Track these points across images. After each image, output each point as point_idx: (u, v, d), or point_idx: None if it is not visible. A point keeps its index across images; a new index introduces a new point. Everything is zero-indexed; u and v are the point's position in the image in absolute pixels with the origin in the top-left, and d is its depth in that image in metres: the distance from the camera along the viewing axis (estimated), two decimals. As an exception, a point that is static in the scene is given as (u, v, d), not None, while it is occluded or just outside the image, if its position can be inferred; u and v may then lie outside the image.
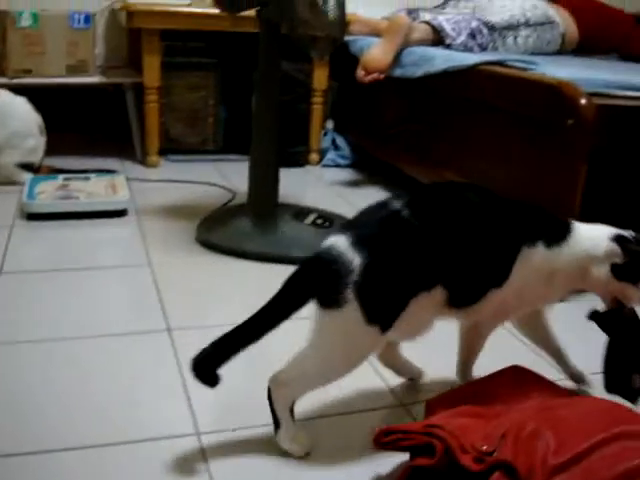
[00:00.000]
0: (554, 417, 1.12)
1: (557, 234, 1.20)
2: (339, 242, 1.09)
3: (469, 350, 1.32)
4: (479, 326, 1.28)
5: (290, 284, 1.13)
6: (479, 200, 1.18)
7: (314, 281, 1.12)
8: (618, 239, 1.18)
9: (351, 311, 1.08)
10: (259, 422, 1.24)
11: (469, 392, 1.20)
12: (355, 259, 1.07)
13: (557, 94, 1.80)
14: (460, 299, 1.17)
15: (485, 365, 1.31)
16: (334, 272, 1.08)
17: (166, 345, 1.49)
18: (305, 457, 1.16)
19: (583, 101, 1.74)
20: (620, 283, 1.18)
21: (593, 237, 1.20)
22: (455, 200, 1.17)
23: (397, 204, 1.12)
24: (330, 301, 1.09)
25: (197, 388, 1.18)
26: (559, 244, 1.19)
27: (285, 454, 1.17)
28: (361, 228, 1.12)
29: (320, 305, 1.11)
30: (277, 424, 1.17)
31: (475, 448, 1.04)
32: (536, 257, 1.18)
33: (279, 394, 1.16)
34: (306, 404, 1.31)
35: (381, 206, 1.14)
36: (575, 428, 1.09)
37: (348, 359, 1.14)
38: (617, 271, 1.17)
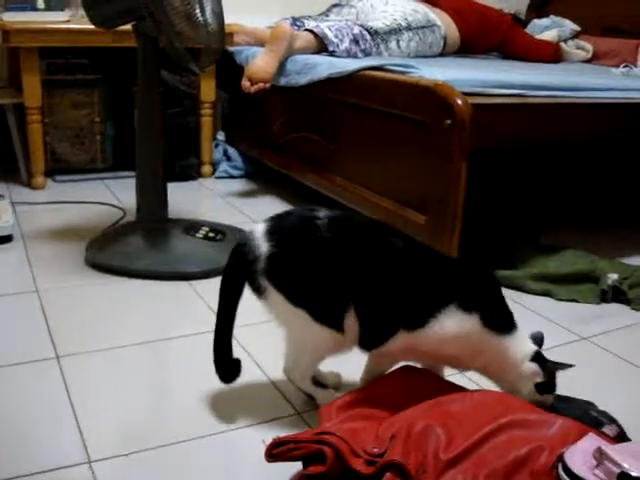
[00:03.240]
0: (444, 413, 1.14)
1: (505, 323, 1.24)
2: (256, 230, 1.21)
3: None
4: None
5: (224, 275, 1.25)
6: (403, 246, 1.21)
7: (235, 267, 1.23)
8: (537, 359, 1.24)
9: (274, 296, 1.19)
10: (153, 444, 1.22)
11: (361, 396, 1.20)
12: (263, 247, 1.18)
13: (433, 96, 1.84)
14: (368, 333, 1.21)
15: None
16: (243, 256, 1.19)
17: (55, 373, 1.44)
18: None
19: (459, 101, 1.79)
20: (542, 395, 1.26)
21: (521, 352, 1.25)
22: (381, 234, 1.22)
23: (321, 213, 1.20)
24: (254, 289, 1.21)
25: (87, 414, 1.15)
26: (505, 334, 1.23)
27: (177, 476, 1.15)
28: (276, 220, 1.22)
29: (255, 295, 1.22)
30: (312, 398, 1.34)
31: (366, 451, 1.05)
32: (469, 324, 1.20)
33: (293, 378, 1.33)
34: (199, 420, 1.29)
35: (307, 210, 1.23)
36: (465, 422, 1.11)
37: (312, 340, 1.24)
38: (540, 388, 1.25)
